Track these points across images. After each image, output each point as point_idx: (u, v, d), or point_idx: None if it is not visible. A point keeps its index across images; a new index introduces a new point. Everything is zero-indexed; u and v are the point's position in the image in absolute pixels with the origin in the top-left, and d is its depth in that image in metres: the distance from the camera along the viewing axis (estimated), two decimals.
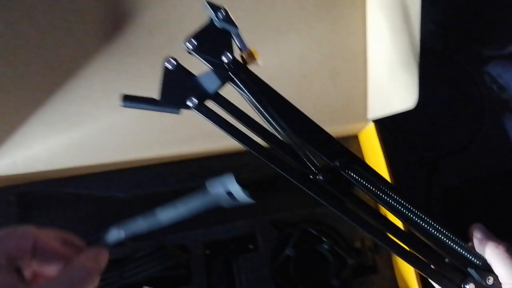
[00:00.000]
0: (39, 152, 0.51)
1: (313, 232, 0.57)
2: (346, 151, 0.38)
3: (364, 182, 0.38)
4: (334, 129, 0.59)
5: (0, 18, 0.48)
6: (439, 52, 0.74)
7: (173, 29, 0.51)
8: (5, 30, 0.47)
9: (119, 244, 0.37)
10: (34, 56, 0.48)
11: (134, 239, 0.53)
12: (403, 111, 0.51)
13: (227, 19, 0.38)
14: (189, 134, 0.54)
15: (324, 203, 0.38)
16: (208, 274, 0.54)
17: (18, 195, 0.54)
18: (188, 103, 0.37)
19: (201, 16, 0.51)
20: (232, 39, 0.38)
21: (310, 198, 0.53)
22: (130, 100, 0.38)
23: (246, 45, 0.39)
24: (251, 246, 0.57)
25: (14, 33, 0.48)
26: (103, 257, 0.35)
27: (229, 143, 0.55)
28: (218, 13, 0.38)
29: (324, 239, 0.56)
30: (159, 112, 0.49)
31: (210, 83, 0.38)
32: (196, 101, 0.37)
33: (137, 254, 0.54)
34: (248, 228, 0.56)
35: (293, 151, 0.38)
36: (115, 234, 0.37)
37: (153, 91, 0.51)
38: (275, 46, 0.54)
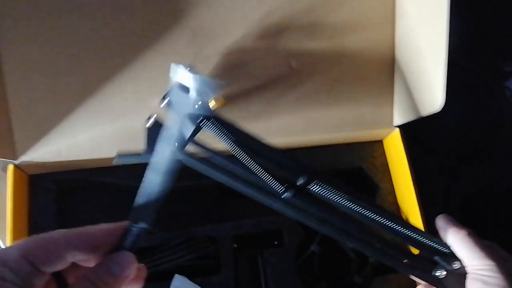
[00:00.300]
0: (83, 141, 0.54)
1: None
2: (308, 168, 0.42)
3: (325, 194, 0.42)
4: (360, 134, 0.62)
5: (54, 9, 0.51)
6: (461, 64, 0.77)
7: (215, 30, 0.54)
8: (58, 21, 0.51)
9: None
10: (86, 49, 0.52)
11: (166, 229, 0.56)
12: (429, 114, 0.53)
13: (197, 75, 0.42)
14: None
15: (293, 217, 0.43)
16: (235, 266, 0.57)
17: (58, 182, 0.57)
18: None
19: (242, 19, 0.54)
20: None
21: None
22: (123, 157, 0.44)
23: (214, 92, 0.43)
24: (276, 242, 0.59)
25: (67, 25, 0.51)
26: (129, 263, 0.36)
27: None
28: (187, 69, 0.43)
29: None
30: None
31: (186, 131, 0.42)
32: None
33: (168, 243, 0.56)
34: (275, 224, 0.59)
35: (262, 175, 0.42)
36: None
37: None
38: (309, 52, 0.57)
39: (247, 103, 0.56)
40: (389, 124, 0.61)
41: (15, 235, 0.52)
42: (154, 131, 0.43)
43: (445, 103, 0.50)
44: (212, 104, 0.43)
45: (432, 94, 0.52)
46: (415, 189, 0.59)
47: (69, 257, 0.33)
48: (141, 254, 0.55)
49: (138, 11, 0.52)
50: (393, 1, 0.58)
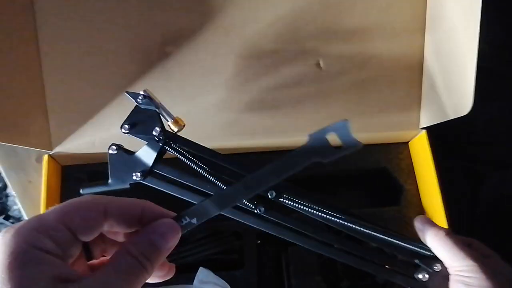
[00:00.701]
0: (115, 135, 0.55)
1: None
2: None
3: (297, 205, 0.43)
4: (387, 135, 0.62)
5: (91, 7, 0.53)
6: (490, 69, 0.76)
7: (247, 29, 0.55)
8: (95, 18, 0.53)
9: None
10: (121, 45, 0.54)
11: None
12: (456, 116, 0.53)
13: (148, 100, 0.45)
14: (251, 128, 0.58)
15: (270, 232, 0.44)
16: (258, 262, 0.58)
17: (90, 173, 0.59)
18: (134, 177, 0.43)
19: (273, 19, 0.55)
20: (158, 114, 0.45)
21: (367, 197, 0.56)
22: (88, 187, 0.45)
23: (171, 115, 0.45)
24: None
25: (104, 21, 0.53)
26: (174, 234, 0.33)
27: (286, 140, 0.59)
28: (138, 98, 0.45)
29: None
30: (227, 107, 0.54)
31: (148, 156, 0.44)
32: (139, 174, 0.43)
33: (194, 236, 0.57)
34: None
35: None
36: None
37: (224, 86, 0.55)
38: (338, 53, 0.58)
39: (276, 102, 0.57)
40: (415, 126, 0.62)
41: None
42: (117, 159, 0.44)
43: (473, 107, 0.51)
44: (173, 126, 0.45)
45: (461, 98, 0.52)
46: (440, 192, 0.59)
47: (106, 226, 0.30)
48: None
49: (172, 10, 0.54)
50: (424, 5, 0.58)
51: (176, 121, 0.46)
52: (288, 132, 0.59)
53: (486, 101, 0.74)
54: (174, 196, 0.43)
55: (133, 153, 0.45)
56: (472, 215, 0.71)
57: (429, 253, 0.41)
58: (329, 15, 0.56)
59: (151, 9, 0.54)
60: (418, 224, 0.42)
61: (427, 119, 0.61)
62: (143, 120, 0.45)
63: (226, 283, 0.54)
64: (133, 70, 0.54)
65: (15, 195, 0.65)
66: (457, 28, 0.53)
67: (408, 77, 0.61)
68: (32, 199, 0.64)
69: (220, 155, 0.45)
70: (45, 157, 0.56)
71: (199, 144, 0.45)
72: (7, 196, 1.29)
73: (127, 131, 0.45)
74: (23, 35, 0.52)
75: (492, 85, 0.75)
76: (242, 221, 0.44)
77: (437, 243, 0.39)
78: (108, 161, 0.44)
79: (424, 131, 0.62)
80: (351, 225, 0.42)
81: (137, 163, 0.44)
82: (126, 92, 0.45)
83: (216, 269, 0.55)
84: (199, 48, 0.55)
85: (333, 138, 0.36)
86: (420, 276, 0.42)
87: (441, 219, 0.59)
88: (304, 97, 0.58)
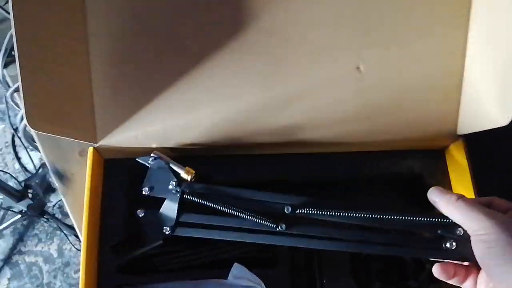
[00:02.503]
0: (158, 130, 0.58)
1: None
2: (290, 198, 0.49)
3: (314, 213, 0.47)
4: (423, 141, 0.62)
5: (139, 5, 0.55)
6: None
7: (289, 31, 0.56)
8: (141, 15, 0.55)
9: None
10: (166, 43, 0.56)
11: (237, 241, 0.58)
12: (495, 127, 0.53)
13: (159, 159, 0.52)
14: (290, 128, 0.59)
15: (296, 245, 0.48)
16: (291, 262, 0.58)
17: (130, 167, 0.61)
18: (165, 232, 0.50)
19: (314, 22, 0.56)
20: (170, 169, 0.52)
21: (400, 203, 0.56)
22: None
23: (181, 167, 0.51)
24: None
25: (151, 20, 0.55)
26: None
27: (324, 141, 0.60)
28: (149, 161, 0.52)
29: None
30: (266, 107, 0.55)
31: (172, 209, 0.50)
32: (168, 229, 0.50)
33: None
34: None
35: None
36: None
37: (264, 86, 0.56)
38: (378, 58, 0.58)
39: (315, 103, 0.58)
40: (452, 133, 0.61)
41: (91, 216, 0.56)
42: (147, 219, 0.52)
43: None
44: (186, 176, 0.51)
45: (501, 108, 0.52)
46: None
47: None
48: (204, 242, 0.58)
49: (216, 10, 0.56)
50: (467, 11, 0.58)
51: (187, 171, 0.51)
52: (326, 134, 0.59)
53: None
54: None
55: (157, 212, 0.51)
56: None
57: (448, 221, 0.43)
58: (371, 19, 0.57)
59: (197, 9, 0.56)
60: (431, 196, 0.44)
61: (465, 127, 0.61)
62: (159, 179, 0.52)
63: (260, 280, 0.55)
64: (177, 67, 0.56)
65: (58, 187, 0.67)
66: (501, 37, 0.53)
67: (448, 83, 0.61)
68: (74, 192, 0.67)
69: (238, 189, 0.51)
70: (90, 149, 0.58)
71: (214, 185, 0.51)
72: (43, 192, 1.33)
73: (148, 193, 0.51)
74: (73, 29, 0.54)
75: None
76: (267, 243, 0.48)
77: (451, 210, 0.41)
78: (140, 225, 0.52)
79: (461, 139, 0.62)
80: (373, 216, 0.45)
81: (164, 218, 0.51)
82: (136, 159, 0.52)
83: (249, 267, 0.56)
84: (240, 48, 0.56)
85: None
86: (448, 245, 0.44)
87: None
88: (342, 100, 0.58)
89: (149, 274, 0.57)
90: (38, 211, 1.25)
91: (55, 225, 1.47)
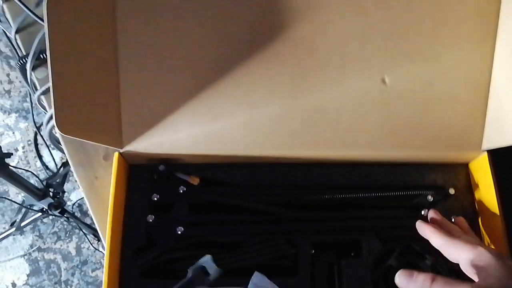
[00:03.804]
0: (183, 138, 0.58)
1: (416, 248, 0.59)
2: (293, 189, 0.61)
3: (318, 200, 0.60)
4: (447, 155, 0.62)
5: (170, 13, 0.56)
6: None
7: (316, 42, 0.56)
8: (173, 24, 0.56)
9: None
10: (195, 52, 0.57)
11: (250, 231, 0.59)
12: None
13: (167, 169, 0.61)
14: (313, 140, 0.59)
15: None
16: (312, 272, 0.58)
17: (156, 173, 0.61)
18: (179, 232, 0.58)
19: (341, 33, 0.57)
20: (178, 177, 0.60)
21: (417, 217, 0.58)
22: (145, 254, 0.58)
23: (187, 176, 0.60)
24: (352, 254, 0.60)
25: (181, 28, 0.56)
26: None
27: (347, 154, 0.60)
28: (159, 169, 0.61)
29: (426, 256, 0.59)
30: (290, 117, 0.55)
31: (181, 213, 0.59)
32: (182, 228, 0.58)
33: (251, 241, 0.59)
34: (354, 235, 0.60)
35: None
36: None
37: (288, 97, 0.57)
38: (404, 70, 0.58)
39: (339, 115, 0.58)
40: (477, 147, 0.61)
41: (114, 220, 0.57)
42: (156, 224, 0.59)
43: None
44: (192, 182, 0.60)
45: None
46: (501, 217, 0.59)
47: None
48: (226, 249, 0.58)
49: (245, 20, 0.56)
50: (495, 24, 0.58)
51: (193, 178, 0.60)
52: (350, 146, 0.59)
53: None
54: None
55: (169, 217, 0.58)
56: None
57: (421, 192, 0.59)
58: (398, 31, 0.57)
59: (225, 19, 0.56)
60: (399, 284, 0.49)
61: (490, 142, 0.60)
62: (169, 187, 0.60)
63: None
64: (204, 76, 0.57)
65: (81, 190, 0.68)
66: None
67: (473, 97, 0.60)
68: (98, 195, 0.68)
69: (239, 187, 0.60)
70: (116, 154, 0.58)
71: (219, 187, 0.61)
72: (63, 192, 1.35)
73: (155, 199, 0.60)
74: (103, 36, 0.55)
75: None
76: (274, 231, 0.59)
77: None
78: (152, 229, 0.58)
79: (485, 153, 0.61)
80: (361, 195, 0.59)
81: (175, 221, 0.58)
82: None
83: (270, 275, 0.56)
84: (267, 58, 0.57)
85: None
86: (423, 212, 0.59)
87: (499, 245, 0.58)
88: (367, 112, 0.58)
89: (171, 279, 0.58)
90: (58, 209, 1.27)
91: (74, 224, 1.49)
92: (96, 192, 0.68)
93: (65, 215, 1.30)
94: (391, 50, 0.58)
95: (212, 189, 0.61)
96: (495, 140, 0.60)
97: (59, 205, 1.29)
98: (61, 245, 1.56)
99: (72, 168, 0.69)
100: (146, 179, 0.61)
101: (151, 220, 0.58)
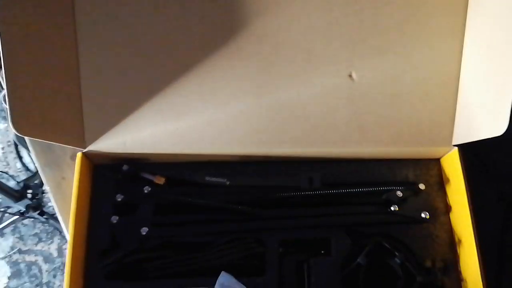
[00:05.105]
0: (146, 136, 0.57)
1: (386, 245, 0.58)
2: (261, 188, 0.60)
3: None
4: (417, 150, 0.61)
5: (128, 12, 0.55)
6: None
7: (280, 38, 0.55)
8: (132, 22, 0.54)
9: None
10: (156, 49, 0.56)
11: (218, 231, 0.58)
12: (490, 137, 0.52)
13: (132, 169, 0.59)
14: (279, 137, 0.58)
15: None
16: (280, 270, 0.58)
17: (118, 173, 0.60)
18: (143, 233, 0.56)
19: (306, 28, 0.56)
20: (142, 177, 0.59)
21: (386, 213, 0.57)
22: (107, 258, 0.57)
23: (152, 176, 0.59)
24: (322, 252, 0.60)
25: (140, 26, 0.55)
26: None
27: (314, 151, 0.59)
28: (123, 169, 0.59)
29: (396, 254, 0.58)
30: (256, 114, 0.54)
31: (146, 214, 0.57)
32: (147, 229, 0.56)
33: (217, 241, 0.58)
34: (323, 233, 0.59)
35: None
36: None
37: (255, 93, 0.56)
38: (371, 64, 0.58)
39: (306, 112, 0.57)
40: (447, 142, 0.60)
41: (77, 222, 0.55)
42: (120, 224, 0.57)
43: (510, 128, 0.49)
44: (158, 181, 0.59)
45: (496, 117, 0.51)
46: (470, 213, 0.58)
47: None
48: (192, 249, 0.57)
49: (207, 16, 0.55)
50: (463, 19, 0.57)
51: (158, 179, 0.59)
52: (318, 143, 0.59)
53: None
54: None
55: (132, 216, 0.57)
56: (502, 239, 0.69)
57: (390, 188, 0.59)
58: (365, 26, 0.56)
59: (187, 15, 0.55)
60: None
61: (460, 136, 0.60)
62: (134, 187, 0.58)
63: None
64: (167, 73, 0.56)
65: (49, 190, 0.67)
66: (496, 46, 0.52)
67: (443, 93, 0.60)
68: (65, 196, 0.66)
69: (205, 187, 0.59)
70: (78, 154, 0.57)
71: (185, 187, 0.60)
72: (43, 192, 1.33)
73: (119, 199, 0.58)
74: (62, 35, 0.54)
75: None
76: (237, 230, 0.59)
77: None
78: (116, 230, 0.57)
79: (456, 148, 0.61)
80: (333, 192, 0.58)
81: (140, 221, 0.57)
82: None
83: (237, 275, 0.56)
84: (231, 54, 0.56)
85: None
86: (392, 208, 0.59)
87: (469, 240, 0.57)
88: (335, 108, 0.58)
89: (137, 281, 0.57)
90: (37, 211, 1.25)
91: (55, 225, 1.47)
92: (63, 192, 0.67)
93: (44, 217, 1.28)
94: (358, 45, 0.57)
95: (178, 189, 0.59)
96: (465, 135, 0.59)
97: (38, 206, 1.27)
98: (42, 247, 1.54)
99: (38, 169, 0.68)
100: (111, 179, 0.60)
101: (115, 221, 0.57)
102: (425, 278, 0.57)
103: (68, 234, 0.62)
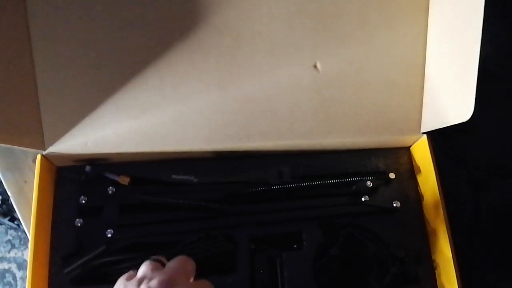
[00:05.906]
0: (109, 135, 0.55)
1: (358, 236, 0.58)
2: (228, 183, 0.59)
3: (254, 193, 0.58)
4: (387, 139, 0.61)
5: (83, 7, 0.53)
6: (494, 73, 0.74)
7: (241, 29, 0.54)
8: (87, 17, 0.52)
9: None
10: (113, 45, 0.54)
11: (186, 230, 0.57)
12: (457, 122, 0.52)
13: (94, 170, 0.57)
14: (246, 131, 0.57)
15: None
16: (251, 267, 0.56)
17: (83, 174, 0.58)
18: (109, 235, 0.54)
19: (268, 18, 0.54)
20: (106, 177, 0.57)
21: (357, 204, 0.57)
22: (73, 263, 0.55)
23: (116, 176, 0.57)
24: (295, 246, 0.59)
25: (96, 21, 0.53)
26: None
27: (282, 144, 0.58)
28: (86, 171, 0.57)
29: (369, 244, 0.57)
30: (221, 108, 0.53)
31: (111, 215, 0.56)
32: (112, 231, 0.55)
33: (187, 239, 0.57)
34: (295, 227, 0.58)
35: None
36: None
37: (218, 87, 0.54)
38: (335, 53, 0.57)
39: (271, 104, 0.56)
40: (416, 130, 0.60)
41: (39, 226, 0.53)
42: (85, 227, 0.56)
43: (477, 113, 0.49)
44: (122, 182, 0.56)
45: (462, 103, 0.51)
46: (441, 199, 0.58)
47: None
48: (160, 249, 0.56)
49: (164, 9, 0.54)
50: (426, 5, 0.57)
51: (122, 179, 0.57)
52: (285, 135, 0.57)
53: (492, 105, 0.72)
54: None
55: (99, 218, 0.55)
56: (474, 223, 0.69)
57: (360, 178, 0.58)
58: (327, 14, 0.55)
59: (144, 8, 0.53)
60: None
61: (428, 124, 0.59)
62: (97, 188, 0.57)
63: None
64: (125, 70, 0.54)
65: (10, 195, 0.64)
66: (458, 30, 0.52)
67: (409, 80, 0.59)
68: (27, 199, 0.64)
69: (171, 185, 0.58)
70: (38, 157, 0.55)
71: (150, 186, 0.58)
72: None
73: (83, 202, 0.56)
74: (15, 35, 0.52)
75: (499, 89, 0.74)
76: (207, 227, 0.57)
77: None
78: (81, 233, 0.55)
79: (425, 136, 0.60)
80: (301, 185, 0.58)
81: (105, 223, 0.55)
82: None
83: (207, 274, 0.54)
84: (191, 47, 0.54)
85: None
86: (363, 198, 0.58)
87: (441, 226, 0.57)
88: (300, 99, 0.57)
89: (104, 285, 0.55)
90: (7, 217, 1.21)
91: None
92: (25, 196, 0.64)
93: (15, 222, 1.24)
94: (321, 35, 0.56)
95: (143, 189, 0.57)
96: (433, 122, 0.59)
97: (8, 213, 1.24)
98: (15, 253, 1.50)
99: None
100: (73, 181, 0.58)
101: (79, 224, 0.55)
102: (399, 268, 0.57)
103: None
